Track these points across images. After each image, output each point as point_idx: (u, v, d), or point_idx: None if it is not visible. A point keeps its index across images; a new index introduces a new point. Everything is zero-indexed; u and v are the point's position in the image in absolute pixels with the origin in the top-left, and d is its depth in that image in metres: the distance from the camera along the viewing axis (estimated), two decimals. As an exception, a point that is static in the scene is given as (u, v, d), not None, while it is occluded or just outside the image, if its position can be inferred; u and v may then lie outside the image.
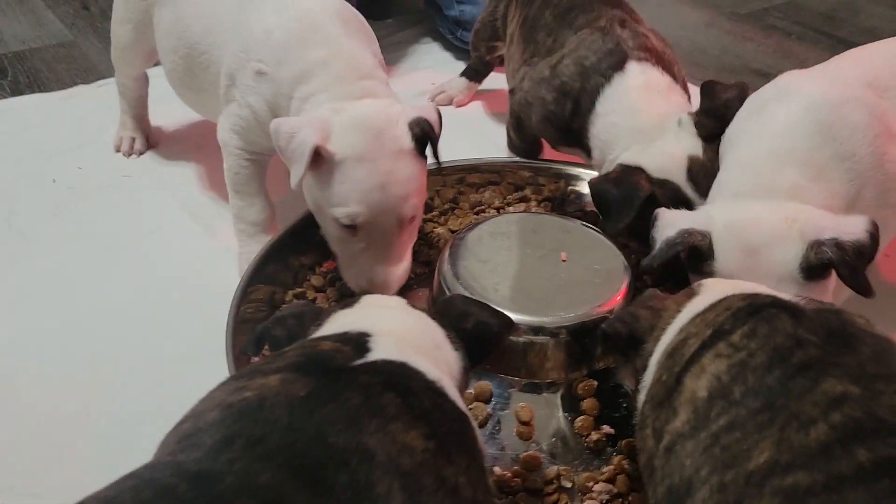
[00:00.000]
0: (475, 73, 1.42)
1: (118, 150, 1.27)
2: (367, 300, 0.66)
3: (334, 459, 0.44)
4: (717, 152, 0.88)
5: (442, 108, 1.41)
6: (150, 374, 0.89)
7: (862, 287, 0.71)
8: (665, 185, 0.87)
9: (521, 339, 0.80)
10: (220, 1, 0.97)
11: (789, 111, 0.80)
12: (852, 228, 0.72)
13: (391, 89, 0.93)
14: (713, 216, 0.77)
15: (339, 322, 0.61)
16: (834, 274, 0.74)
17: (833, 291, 0.76)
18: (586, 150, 1.00)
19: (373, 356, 0.53)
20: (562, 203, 1.15)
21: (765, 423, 0.49)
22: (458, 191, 1.16)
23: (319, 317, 0.62)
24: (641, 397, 0.62)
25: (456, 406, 0.54)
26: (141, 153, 1.27)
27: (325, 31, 0.90)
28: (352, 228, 0.84)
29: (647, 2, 1.98)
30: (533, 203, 1.14)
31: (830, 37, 1.79)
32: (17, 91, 1.46)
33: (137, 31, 1.12)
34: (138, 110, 1.26)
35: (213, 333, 0.84)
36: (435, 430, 0.49)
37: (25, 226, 1.12)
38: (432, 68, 1.58)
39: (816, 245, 0.72)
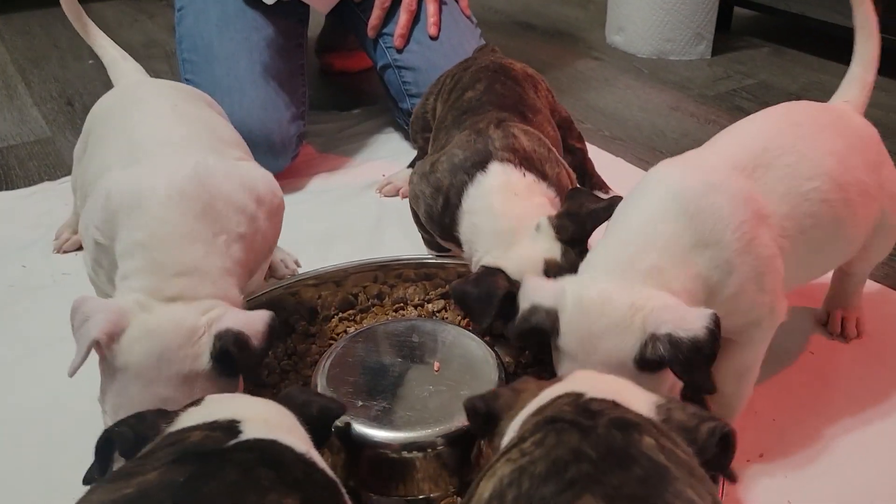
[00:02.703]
0: (420, 165, 1.45)
1: (59, 249, 1.31)
2: (213, 398, 0.66)
3: None
4: (576, 255, 0.90)
5: (389, 200, 1.48)
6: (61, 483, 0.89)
7: (698, 384, 0.70)
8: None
9: (391, 455, 0.80)
10: (113, 150, 0.91)
11: (654, 199, 0.80)
12: (691, 324, 0.70)
13: (223, 282, 0.81)
14: (566, 291, 0.77)
15: (198, 415, 0.62)
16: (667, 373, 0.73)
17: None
18: (459, 245, 1.03)
19: (244, 436, 0.57)
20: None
21: None
22: (386, 285, 1.17)
23: (168, 415, 0.63)
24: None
25: (326, 473, 0.58)
26: (72, 250, 1.30)
27: (154, 212, 0.80)
28: None
29: (616, 84, 2.01)
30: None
31: (796, 118, 1.77)
32: (-15, 189, 1.52)
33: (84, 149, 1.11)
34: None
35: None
36: (308, 496, 0.53)
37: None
38: (387, 158, 1.62)
39: (652, 339, 0.71)
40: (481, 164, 0.99)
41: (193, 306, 0.77)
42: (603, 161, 1.50)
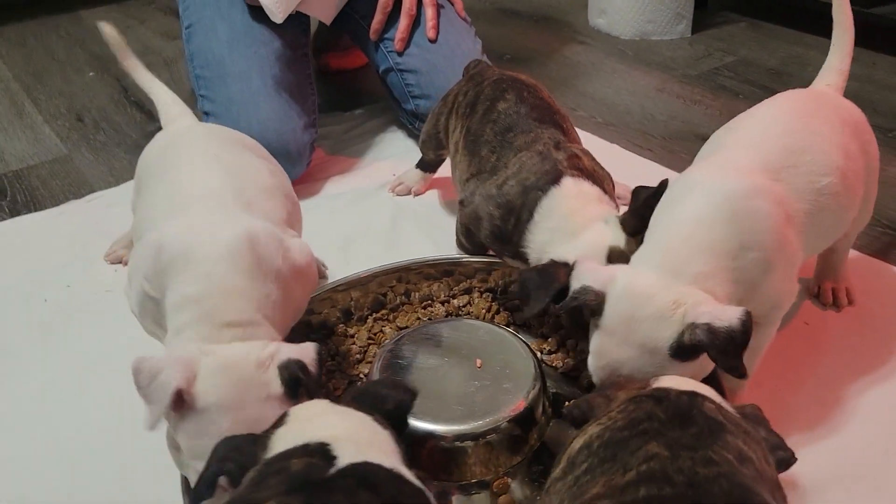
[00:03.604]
0: (428, 166, 1.54)
1: (106, 258, 1.39)
2: (295, 413, 0.74)
3: None
4: (638, 244, 0.97)
5: (403, 200, 1.56)
6: (128, 497, 0.97)
7: (732, 369, 0.80)
8: None
9: (446, 445, 0.90)
10: (161, 199, 0.97)
11: (700, 203, 0.89)
12: (727, 316, 0.80)
13: (271, 331, 0.87)
14: (616, 278, 0.86)
15: (290, 437, 0.69)
16: (697, 361, 0.84)
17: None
18: (524, 261, 1.10)
19: (340, 462, 0.64)
20: (503, 292, 1.25)
21: (606, 469, 0.62)
22: (411, 285, 1.27)
23: (259, 440, 0.71)
24: None
25: (413, 484, 0.65)
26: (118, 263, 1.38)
27: (205, 268, 0.86)
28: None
29: (602, 69, 2.10)
30: (476, 294, 1.25)
31: (777, 93, 1.87)
32: (15, 211, 1.59)
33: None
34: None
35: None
36: None
37: (14, 346, 1.23)
38: (395, 158, 1.70)
39: (691, 328, 0.81)
40: (554, 180, 1.07)
41: (251, 344, 0.84)
42: (599, 148, 1.57)
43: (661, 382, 0.75)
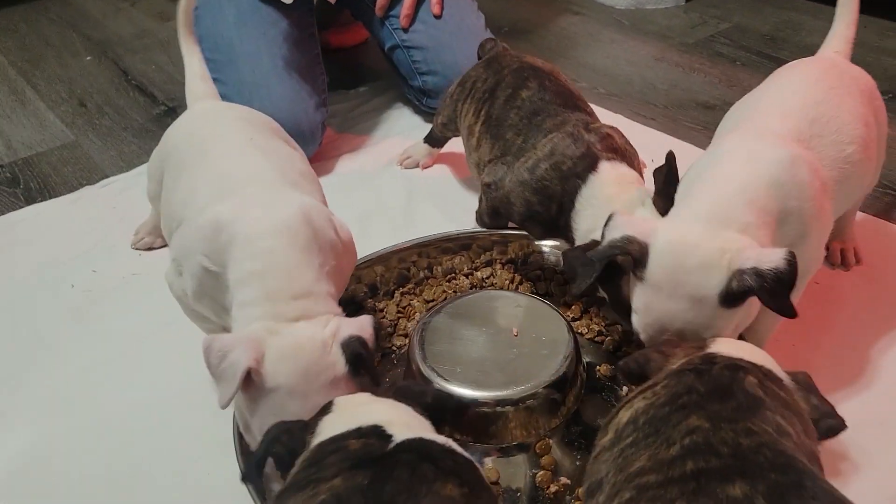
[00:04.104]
0: (436, 142, 1.56)
1: (134, 246, 1.41)
2: (342, 402, 0.77)
3: None
4: None
5: (417, 177, 1.59)
6: (185, 473, 1.01)
7: (784, 309, 0.81)
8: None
9: (487, 411, 0.94)
10: (203, 182, 0.99)
11: (745, 168, 0.89)
12: (773, 258, 0.81)
13: (330, 302, 0.91)
14: (657, 229, 0.86)
15: (340, 422, 0.72)
16: (744, 307, 0.85)
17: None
18: (570, 242, 1.12)
19: (396, 439, 0.68)
20: (524, 263, 1.29)
21: (650, 443, 0.66)
22: (433, 259, 1.30)
23: (308, 426, 0.74)
24: None
25: (466, 457, 0.70)
26: (146, 249, 1.41)
27: (267, 244, 0.89)
28: None
29: (601, 38, 2.12)
30: (498, 266, 1.28)
31: (773, 59, 1.91)
32: (30, 199, 1.60)
33: (156, 185, 1.18)
34: (159, 223, 1.30)
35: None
36: (461, 479, 0.64)
37: (47, 332, 1.25)
38: (403, 134, 1.72)
39: (738, 274, 0.81)
40: (591, 166, 1.09)
41: (314, 323, 0.87)
42: (603, 120, 1.62)
43: (717, 345, 0.77)
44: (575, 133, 1.13)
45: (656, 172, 1.06)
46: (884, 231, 1.33)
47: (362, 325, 0.87)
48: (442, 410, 0.79)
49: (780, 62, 1.18)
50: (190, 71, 1.24)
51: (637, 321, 0.89)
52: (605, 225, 0.91)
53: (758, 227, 0.86)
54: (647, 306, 0.87)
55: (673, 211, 0.92)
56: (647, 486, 0.61)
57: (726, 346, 0.78)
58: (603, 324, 1.16)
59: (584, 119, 1.18)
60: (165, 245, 1.36)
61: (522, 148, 1.19)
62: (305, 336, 0.84)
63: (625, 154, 1.13)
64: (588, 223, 1.08)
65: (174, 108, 1.92)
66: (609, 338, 1.14)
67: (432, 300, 1.23)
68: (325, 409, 0.77)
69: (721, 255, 0.83)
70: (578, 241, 1.09)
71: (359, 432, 0.69)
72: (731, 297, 0.83)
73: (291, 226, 0.91)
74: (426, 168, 1.61)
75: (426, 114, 1.76)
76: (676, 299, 0.84)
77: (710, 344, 0.78)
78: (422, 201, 1.51)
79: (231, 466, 0.93)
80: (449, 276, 1.28)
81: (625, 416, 0.71)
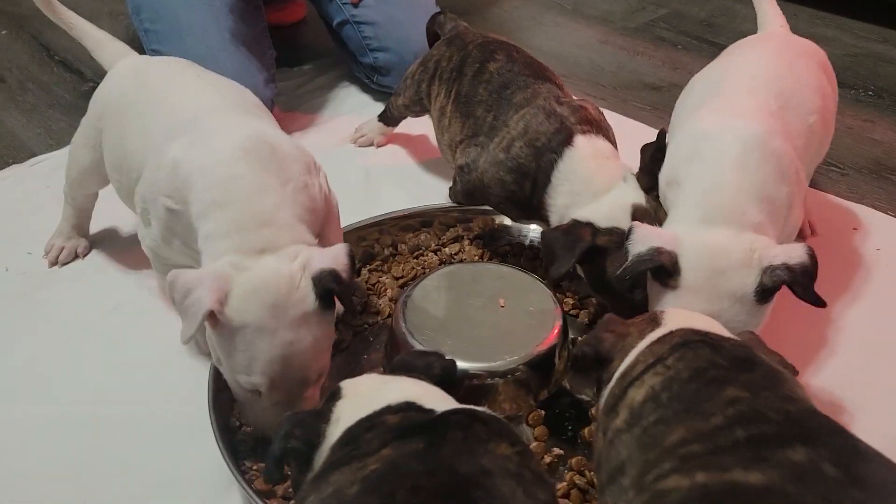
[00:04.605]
0: (391, 120, 1.52)
1: (46, 257, 1.27)
2: (352, 386, 0.73)
3: (471, 483, 0.57)
4: (656, 201, 1.01)
5: (374, 155, 1.54)
6: (142, 455, 0.95)
7: (815, 300, 0.85)
8: (613, 232, 0.98)
9: (477, 383, 0.92)
10: (155, 123, 0.97)
11: (733, 152, 0.91)
12: (797, 253, 0.86)
13: (299, 229, 0.88)
14: (681, 238, 0.89)
15: (359, 407, 0.68)
16: (771, 302, 0.88)
17: None
18: (545, 221, 1.09)
19: (437, 408, 0.65)
20: (491, 238, 1.27)
21: (682, 419, 0.63)
22: (395, 236, 1.27)
23: (321, 415, 0.69)
24: (601, 404, 0.75)
25: (504, 421, 0.68)
26: (70, 260, 1.27)
27: (224, 171, 0.86)
28: (255, 391, 0.84)
29: (544, 22, 2.12)
30: (466, 242, 1.26)
31: (712, 44, 1.95)
32: (-49, 177, 1.48)
33: (94, 154, 1.12)
34: (81, 221, 1.27)
35: (196, 407, 0.93)
36: (511, 439, 0.63)
37: (-11, 318, 1.16)
38: (352, 113, 1.68)
39: (770, 270, 0.86)
40: (566, 140, 1.05)
41: (281, 255, 0.84)
42: (556, 99, 1.62)
43: (670, 315, 0.77)
44: (547, 107, 1.10)
45: (644, 149, 1.05)
46: (822, 203, 1.37)
47: (336, 256, 0.84)
48: (451, 380, 0.76)
49: (720, 47, 1.21)
50: (90, 41, 1.19)
51: None
52: (627, 237, 0.91)
53: (766, 223, 0.90)
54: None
55: (680, 211, 0.93)
56: (692, 456, 0.59)
57: (681, 317, 0.77)
58: (575, 297, 1.15)
59: (555, 91, 1.16)
60: (91, 249, 1.29)
61: (494, 126, 1.15)
62: (271, 271, 0.82)
63: (600, 126, 1.11)
64: (565, 199, 1.05)
65: (104, 84, 1.81)
66: (584, 310, 1.13)
67: (401, 277, 1.20)
68: (334, 395, 0.72)
69: (751, 255, 0.87)
70: (554, 218, 1.07)
71: (390, 409, 0.66)
72: (767, 293, 0.87)
73: (246, 147, 0.88)
74: (380, 147, 1.57)
75: (376, 91, 1.72)
76: (715, 300, 0.87)
77: (661, 316, 0.78)
78: (382, 180, 1.47)
79: (198, 446, 0.90)
80: (417, 253, 1.25)
81: (638, 394, 0.68)
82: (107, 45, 1.18)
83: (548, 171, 1.06)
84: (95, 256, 1.29)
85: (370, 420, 0.65)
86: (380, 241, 1.26)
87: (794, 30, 1.22)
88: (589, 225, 0.97)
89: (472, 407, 0.66)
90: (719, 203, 0.90)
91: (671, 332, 0.73)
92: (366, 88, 1.75)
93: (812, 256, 0.85)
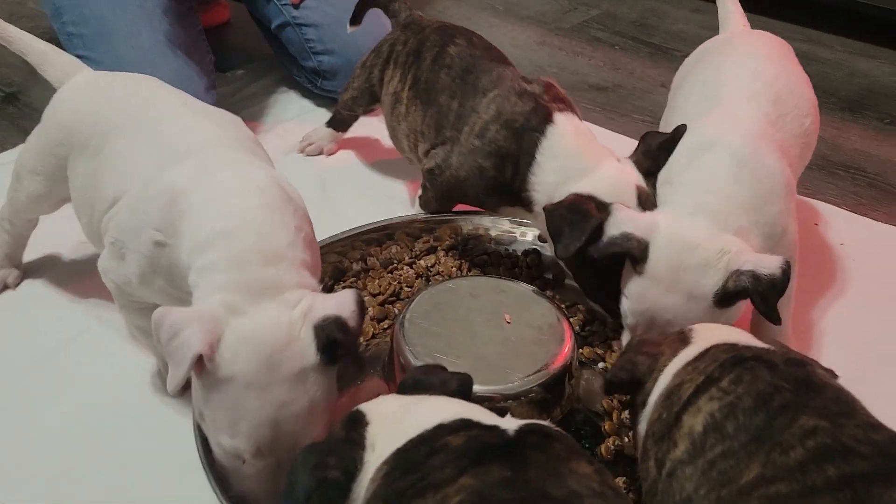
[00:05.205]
0: (341, 124, 1.45)
1: None
2: (371, 411, 0.67)
3: None
4: (653, 186, 0.99)
5: (328, 164, 1.46)
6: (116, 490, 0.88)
7: (771, 315, 0.84)
8: None
9: (488, 405, 0.86)
10: (143, 151, 0.88)
11: (725, 163, 0.91)
12: (770, 264, 0.85)
13: (305, 273, 0.80)
14: (659, 226, 0.88)
15: (399, 431, 0.62)
16: (735, 308, 0.87)
17: None
18: (527, 205, 1.05)
19: (504, 426, 0.61)
20: (465, 248, 1.22)
21: (753, 451, 0.60)
22: (363, 250, 1.20)
23: (354, 441, 0.63)
24: (642, 428, 0.72)
25: (571, 437, 0.65)
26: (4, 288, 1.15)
27: (237, 202, 0.79)
28: (238, 457, 0.74)
29: (479, 23, 2.08)
30: (441, 253, 1.20)
31: (647, 44, 1.97)
32: None
33: (50, 182, 1.01)
34: (16, 249, 1.15)
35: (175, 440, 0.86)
36: (586, 457, 0.61)
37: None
38: (296, 119, 1.59)
39: (736, 274, 0.85)
40: (545, 119, 1.03)
41: (282, 301, 0.75)
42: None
43: (699, 332, 0.75)
44: (517, 87, 1.09)
45: (650, 135, 1.03)
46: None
47: (341, 303, 0.76)
48: (468, 395, 0.71)
49: (656, 47, 1.21)
50: (33, 54, 1.06)
51: (627, 305, 0.90)
52: (601, 208, 0.90)
53: (748, 231, 0.89)
54: (642, 295, 0.88)
55: (672, 205, 0.92)
56: (781, 497, 0.55)
57: (711, 332, 0.75)
58: (563, 305, 1.11)
59: (519, 74, 1.14)
60: (25, 278, 1.17)
61: (460, 114, 1.11)
62: (269, 319, 0.73)
63: (570, 104, 1.10)
64: (555, 176, 1.02)
65: (14, 93, 1.66)
66: (574, 318, 1.10)
67: (379, 293, 1.13)
68: (358, 421, 0.65)
69: (720, 257, 0.86)
70: (541, 198, 1.03)
71: (446, 429, 0.60)
72: (726, 297, 0.86)
73: (263, 186, 0.81)
74: (331, 154, 1.49)
75: (318, 97, 1.64)
76: (672, 294, 0.86)
77: (690, 333, 0.76)
78: (339, 190, 1.39)
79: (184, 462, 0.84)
80: (391, 267, 1.18)
81: (696, 423, 0.64)
82: (54, 59, 1.06)
83: (531, 150, 1.04)
84: (28, 287, 1.16)
85: (427, 443, 0.60)
86: (348, 256, 1.19)
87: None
88: (591, 198, 0.94)
89: (537, 422, 0.63)
90: (706, 202, 0.90)
91: (707, 349, 0.71)
92: (308, 93, 1.66)
93: (785, 272, 0.84)
